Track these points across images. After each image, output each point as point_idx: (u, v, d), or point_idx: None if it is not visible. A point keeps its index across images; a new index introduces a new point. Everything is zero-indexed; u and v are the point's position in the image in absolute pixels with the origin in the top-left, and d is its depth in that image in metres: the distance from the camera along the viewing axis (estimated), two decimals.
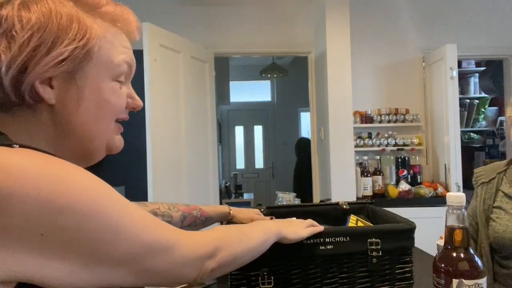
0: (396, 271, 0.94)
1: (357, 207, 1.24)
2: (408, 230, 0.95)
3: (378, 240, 0.92)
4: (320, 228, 0.92)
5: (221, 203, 4.18)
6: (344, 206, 1.22)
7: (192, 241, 0.60)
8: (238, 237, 0.71)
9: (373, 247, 0.92)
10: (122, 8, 0.60)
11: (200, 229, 1.11)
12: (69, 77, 0.53)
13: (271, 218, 1.14)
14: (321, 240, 0.91)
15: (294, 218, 1.11)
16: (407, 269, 0.95)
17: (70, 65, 0.52)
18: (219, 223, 1.15)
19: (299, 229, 0.89)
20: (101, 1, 0.56)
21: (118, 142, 0.63)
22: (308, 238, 0.89)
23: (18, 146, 0.47)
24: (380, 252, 0.92)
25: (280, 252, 0.86)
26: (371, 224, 1.09)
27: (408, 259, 0.95)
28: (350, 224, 1.07)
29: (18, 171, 0.43)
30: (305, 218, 0.98)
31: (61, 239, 0.45)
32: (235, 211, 1.16)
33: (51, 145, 0.56)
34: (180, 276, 0.59)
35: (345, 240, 0.91)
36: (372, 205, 1.24)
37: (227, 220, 1.14)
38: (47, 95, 0.52)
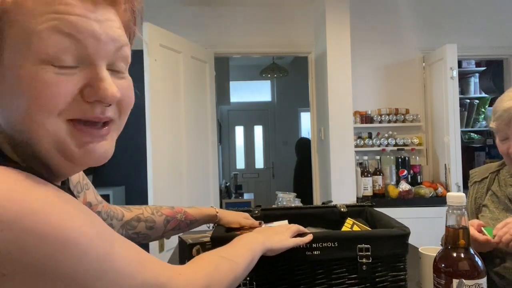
0: (389, 279, 0.89)
1: (356, 210, 1.19)
2: (401, 236, 0.89)
3: (368, 246, 0.87)
4: (307, 238, 0.87)
5: (221, 203, 4.18)
6: (342, 209, 1.17)
7: (182, 282, 0.54)
8: (227, 268, 0.67)
9: (362, 253, 0.87)
10: None
11: (185, 232, 1.10)
12: None
13: (260, 223, 1.10)
14: (308, 245, 0.86)
15: (286, 222, 1.07)
16: (400, 277, 0.90)
17: None
18: (207, 226, 1.13)
19: (284, 237, 0.85)
20: None
21: (82, 149, 0.47)
22: None
23: None
24: (371, 258, 0.87)
25: (265, 258, 0.81)
26: (369, 228, 1.04)
27: (401, 266, 0.90)
28: (344, 228, 1.02)
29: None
30: (302, 221, 0.95)
31: (29, 280, 0.38)
32: (222, 213, 1.10)
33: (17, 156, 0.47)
34: None
35: (333, 245, 0.87)
36: (371, 207, 1.19)
37: (214, 223, 1.10)
38: None
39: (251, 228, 1.05)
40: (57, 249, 0.39)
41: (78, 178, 0.78)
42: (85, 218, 0.43)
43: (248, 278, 0.85)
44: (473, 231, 1.08)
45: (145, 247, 1.16)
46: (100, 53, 0.46)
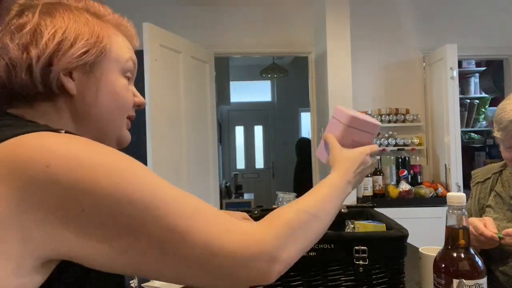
0: (386, 282, 0.88)
1: (356, 211, 1.17)
2: (399, 238, 0.87)
3: (365, 247, 0.85)
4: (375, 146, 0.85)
5: (221, 203, 4.18)
6: (343, 210, 1.15)
7: (259, 231, 0.56)
8: (311, 228, 0.64)
9: (359, 255, 0.86)
10: (121, 18, 0.68)
11: None
12: (88, 70, 0.61)
13: None
14: None
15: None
16: (398, 279, 0.88)
17: (90, 58, 0.60)
18: None
19: (368, 168, 0.83)
20: (106, 11, 0.66)
21: (127, 136, 0.69)
22: None
23: (64, 131, 0.53)
24: (367, 260, 0.85)
25: None
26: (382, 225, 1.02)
27: (399, 268, 0.88)
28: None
29: (87, 162, 0.48)
30: None
31: (103, 218, 0.47)
32: None
33: None
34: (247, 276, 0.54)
35: (329, 247, 0.86)
36: (371, 208, 1.17)
37: None
38: (70, 85, 0.59)
39: None
40: (147, 204, 0.50)
41: None
42: (165, 183, 0.55)
43: None
44: (481, 226, 1.08)
45: None
46: (134, 76, 0.71)
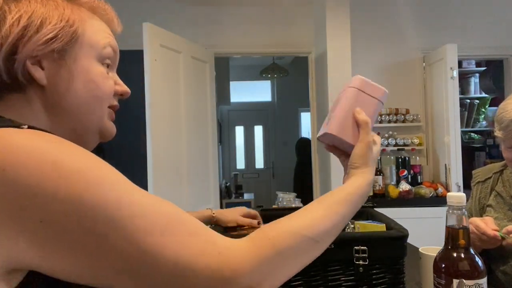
0: (386, 282, 0.87)
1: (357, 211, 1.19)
2: (399, 238, 0.87)
3: (365, 247, 0.85)
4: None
5: (221, 203, 4.19)
6: None
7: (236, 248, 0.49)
8: (304, 252, 0.55)
9: (359, 255, 0.85)
10: (97, 1, 0.62)
11: None
12: (58, 57, 0.55)
13: (259, 223, 1.09)
14: None
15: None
16: (398, 279, 0.88)
17: (59, 44, 0.54)
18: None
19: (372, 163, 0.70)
20: None
21: (111, 128, 0.63)
22: None
23: (26, 127, 0.48)
24: (367, 260, 0.85)
25: None
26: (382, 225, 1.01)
27: (399, 268, 0.88)
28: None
29: (47, 166, 0.43)
30: None
31: (62, 229, 0.42)
32: (219, 214, 1.09)
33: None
34: None
35: (329, 247, 0.86)
36: (372, 209, 1.17)
37: (212, 223, 1.08)
38: (39, 74, 0.54)
39: (250, 227, 1.05)
40: (102, 206, 0.43)
41: None
42: (126, 181, 0.48)
43: None
44: (482, 225, 1.08)
45: None
46: (116, 63, 0.65)
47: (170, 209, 0.48)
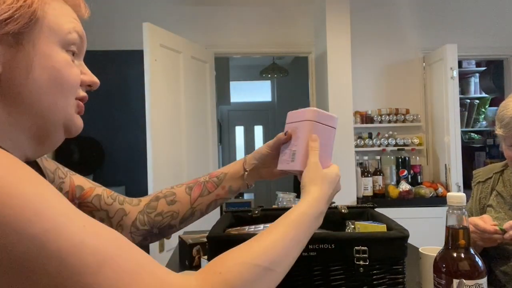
0: (386, 282, 0.87)
1: (357, 212, 1.16)
2: (399, 239, 0.87)
3: (365, 248, 0.85)
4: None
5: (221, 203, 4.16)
6: (343, 210, 1.14)
7: None
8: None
9: (359, 255, 0.85)
10: None
11: (220, 195, 0.94)
12: (14, 41, 0.49)
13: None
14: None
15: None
16: (399, 280, 0.88)
17: (15, 26, 0.48)
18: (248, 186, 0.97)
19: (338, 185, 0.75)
20: None
21: (78, 122, 0.58)
22: None
23: None
24: (368, 261, 0.85)
25: None
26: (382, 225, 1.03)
27: (399, 269, 0.88)
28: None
29: None
30: None
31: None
32: (249, 158, 1.01)
33: (2, 125, 0.51)
34: None
35: (330, 247, 0.85)
36: (372, 209, 1.15)
37: (244, 170, 1.01)
38: None
39: (250, 227, 1.04)
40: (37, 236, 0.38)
41: (55, 166, 0.74)
42: (61, 202, 0.43)
43: None
44: (481, 223, 1.08)
45: (145, 248, 1.11)
46: (83, 51, 0.60)
47: (111, 243, 0.43)
